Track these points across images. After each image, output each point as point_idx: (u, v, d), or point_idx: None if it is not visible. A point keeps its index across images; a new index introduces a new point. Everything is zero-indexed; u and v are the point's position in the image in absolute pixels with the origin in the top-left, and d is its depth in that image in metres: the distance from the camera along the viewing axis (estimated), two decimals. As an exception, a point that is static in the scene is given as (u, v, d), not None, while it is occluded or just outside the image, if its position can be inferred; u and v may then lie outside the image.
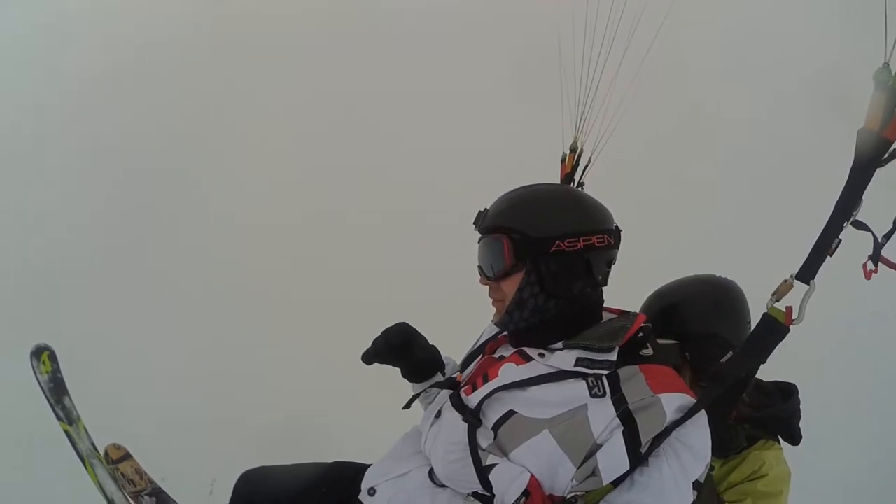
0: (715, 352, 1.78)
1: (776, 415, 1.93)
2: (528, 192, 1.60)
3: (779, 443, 1.97)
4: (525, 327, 1.53)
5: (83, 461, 2.02)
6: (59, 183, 4.58)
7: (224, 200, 4.62)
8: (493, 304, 1.59)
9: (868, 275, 1.51)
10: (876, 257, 1.49)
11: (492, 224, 1.55)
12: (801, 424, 2.03)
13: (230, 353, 4.13)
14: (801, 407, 2.03)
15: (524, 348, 1.53)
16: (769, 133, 4.60)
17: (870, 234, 1.44)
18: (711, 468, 1.82)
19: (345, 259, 4.44)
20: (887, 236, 1.47)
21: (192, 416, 3.81)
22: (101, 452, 2.14)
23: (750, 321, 1.94)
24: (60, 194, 4.58)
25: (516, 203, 1.56)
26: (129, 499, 2.09)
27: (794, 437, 1.98)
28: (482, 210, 1.60)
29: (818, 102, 4.33)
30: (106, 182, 4.63)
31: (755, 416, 1.90)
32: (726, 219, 4.46)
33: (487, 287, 1.59)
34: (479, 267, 1.59)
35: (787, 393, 2.00)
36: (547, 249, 1.48)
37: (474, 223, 1.60)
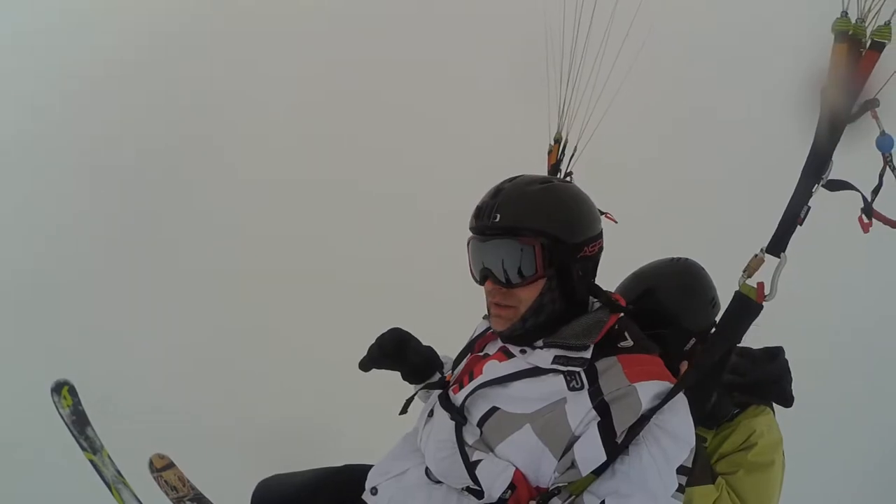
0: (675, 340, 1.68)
1: (764, 378, 1.86)
2: (546, 191, 1.42)
3: (771, 408, 1.90)
4: (532, 328, 1.44)
5: (109, 487, 2.09)
6: (58, 182, 4.69)
7: (223, 203, 4.70)
8: (494, 309, 1.45)
9: (865, 228, 1.44)
10: (868, 210, 1.42)
11: (514, 226, 1.38)
12: (800, 424, 1.95)
13: (230, 353, 4.15)
14: (799, 406, 1.94)
15: (508, 345, 1.52)
16: (763, 131, 4.43)
17: (852, 201, 1.37)
18: (704, 440, 1.78)
19: (347, 258, 4.46)
20: (875, 191, 1.40)
21: (195, 418, 3.81)
22: (147, 461, 2.18)
23: (714, 301, 1.80)
24: (60, 193, 4.68)
25: (541, 204, 1.40)
26: None
27: (787, 400, 1.91)
28: (482, 205, 1.42)
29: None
30: (106, 181, 4.71)
31: (744, 383, 1.83)
32: (721, 217, 4.31)
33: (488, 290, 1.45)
34: (487, 270, 1.41)
35: (772, 355, 1.92)
36: (577, 256, 1.41)
37: (476, 219, 1.42)
